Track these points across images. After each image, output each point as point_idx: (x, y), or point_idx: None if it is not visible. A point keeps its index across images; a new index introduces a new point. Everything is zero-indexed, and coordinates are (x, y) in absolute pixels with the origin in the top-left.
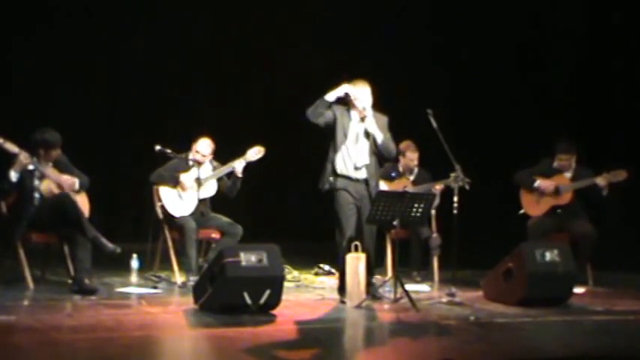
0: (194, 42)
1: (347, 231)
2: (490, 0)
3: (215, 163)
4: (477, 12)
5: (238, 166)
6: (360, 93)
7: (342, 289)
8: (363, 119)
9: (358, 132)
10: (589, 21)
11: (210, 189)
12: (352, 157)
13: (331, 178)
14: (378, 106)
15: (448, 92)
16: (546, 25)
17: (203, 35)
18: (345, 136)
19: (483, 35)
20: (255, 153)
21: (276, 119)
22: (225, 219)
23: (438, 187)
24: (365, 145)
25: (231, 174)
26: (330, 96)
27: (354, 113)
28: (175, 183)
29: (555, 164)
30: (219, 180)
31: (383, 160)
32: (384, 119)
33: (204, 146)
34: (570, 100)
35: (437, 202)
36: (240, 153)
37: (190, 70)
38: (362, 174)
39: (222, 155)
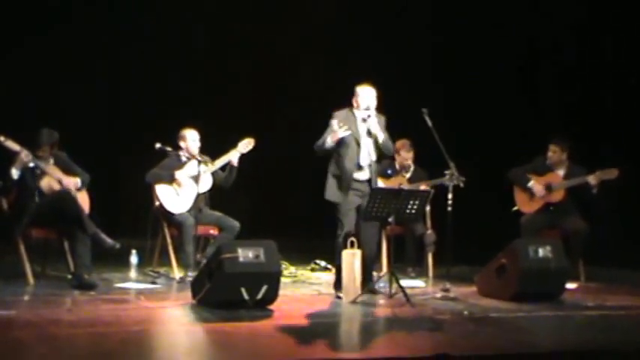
0: (194, 42)
1: (345, 227)
2: (489, 0)
3: (206, 157)
4: (477, 12)
5: (234, 157)
6: (365, 93)
7: (338, 284)
8: (364, 120)
9: (362, 132)
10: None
11: (206, 183)
12: (356, 157)
13: (337, 187)
14: (378, 104)
15: (447, 92)
16: (544, 25)
17: (203, 35)
18: (357, 140)
19: (483, 35)
20: (246, 145)
21: (276, 118)
22: (222, 215)
23: (422, 188)
24: (369, 144)
25: (225, 166)
26: (328, 143)
27: (358, 113)
28: (171, 180)
29: (547, 160)
30: (212, 174)
31: (382, 157)
32: (383, 119)
33: (195, 134)
34: (567, 100)
35: None
36: (231, 146)
37: (190, 69)
38: (365, 174)
39: (218, 151)
